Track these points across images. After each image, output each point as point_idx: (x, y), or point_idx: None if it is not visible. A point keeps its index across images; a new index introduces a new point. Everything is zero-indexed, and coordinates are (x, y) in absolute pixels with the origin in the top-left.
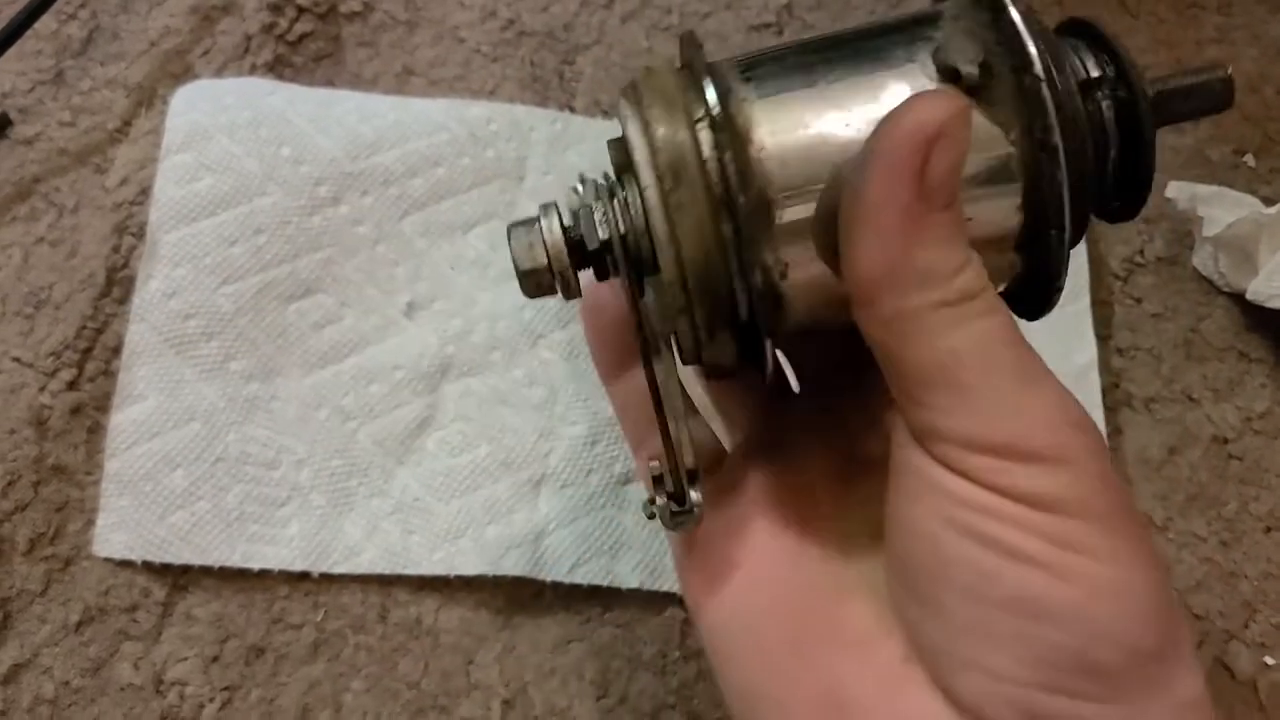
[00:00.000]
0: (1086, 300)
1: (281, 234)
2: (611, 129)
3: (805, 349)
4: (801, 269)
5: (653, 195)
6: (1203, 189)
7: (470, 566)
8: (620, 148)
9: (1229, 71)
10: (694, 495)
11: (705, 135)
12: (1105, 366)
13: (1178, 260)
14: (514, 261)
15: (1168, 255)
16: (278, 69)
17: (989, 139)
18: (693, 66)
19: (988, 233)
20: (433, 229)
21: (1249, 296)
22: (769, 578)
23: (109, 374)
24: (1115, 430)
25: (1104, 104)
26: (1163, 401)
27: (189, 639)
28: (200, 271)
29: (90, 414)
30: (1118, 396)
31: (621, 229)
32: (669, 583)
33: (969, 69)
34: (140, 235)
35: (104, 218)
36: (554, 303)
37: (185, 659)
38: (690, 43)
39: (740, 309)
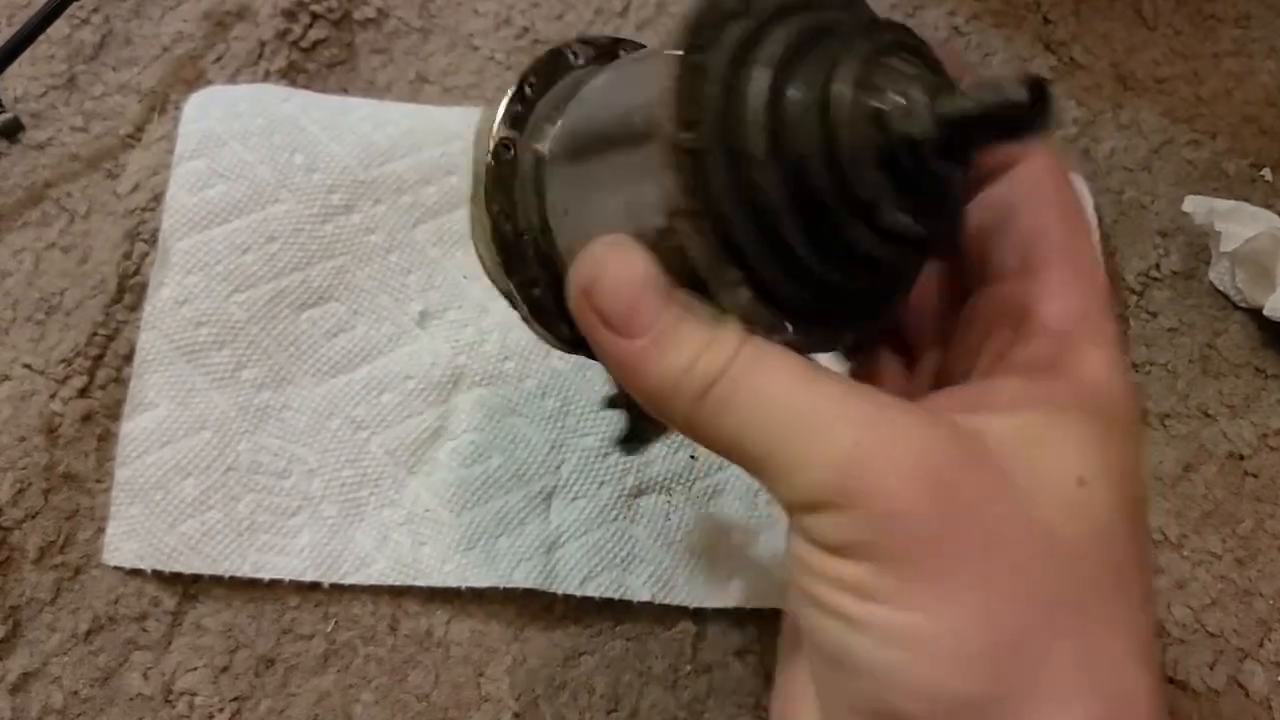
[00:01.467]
0: None
1: (294, 242)
2: None
3: None
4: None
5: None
6: (1220, 203)
7: (481, 578)
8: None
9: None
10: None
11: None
12: None
13: (1194, 275)
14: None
15: (1184, 270)
16: (291, 75)
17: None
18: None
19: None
20: (446, 237)
21: (1266, 312)
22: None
23: (120, 381)
24: None
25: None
26: (1178, 417)
27: (199, 649)
28: (212, 279)
29: (101, 421)
30: None
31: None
32: (681, 596)
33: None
34: (152, 242)
35: (116, 224)
36: None
37: (195, 669)
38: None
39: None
